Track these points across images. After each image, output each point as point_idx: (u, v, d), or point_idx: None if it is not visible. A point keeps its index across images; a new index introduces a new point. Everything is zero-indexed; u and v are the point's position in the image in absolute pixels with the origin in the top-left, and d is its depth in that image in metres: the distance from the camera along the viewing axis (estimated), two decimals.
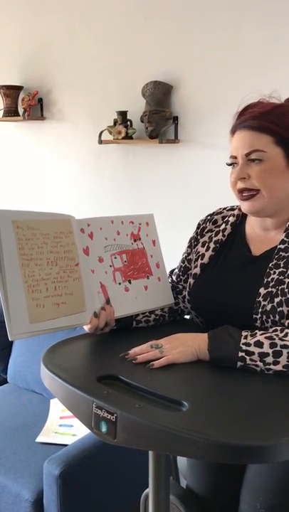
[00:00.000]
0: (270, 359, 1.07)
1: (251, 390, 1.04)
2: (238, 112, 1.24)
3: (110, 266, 1.29)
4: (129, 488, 1.84)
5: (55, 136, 2.83)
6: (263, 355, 1.08)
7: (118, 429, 0.94)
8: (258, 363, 1.08)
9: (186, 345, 1.14)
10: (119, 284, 1.30)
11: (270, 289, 1.18)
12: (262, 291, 1.19)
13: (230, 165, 1.24)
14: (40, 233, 1.17)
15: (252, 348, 1.08)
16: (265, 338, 1.09)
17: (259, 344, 1.08)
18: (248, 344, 1.09)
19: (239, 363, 1.09)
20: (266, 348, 1.07)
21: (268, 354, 1.07)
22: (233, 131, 1.23)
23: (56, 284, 1.18)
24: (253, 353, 1.08)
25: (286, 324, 1.15)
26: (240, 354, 1.09)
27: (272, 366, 1.07)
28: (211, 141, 2.25)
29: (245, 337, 1.11)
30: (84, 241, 1.26)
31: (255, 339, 1.09)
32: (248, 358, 1.08)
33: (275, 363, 1.07)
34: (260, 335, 1.10)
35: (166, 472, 1.15)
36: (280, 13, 2.00)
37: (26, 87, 2.86)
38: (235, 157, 1.22)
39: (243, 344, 1.09)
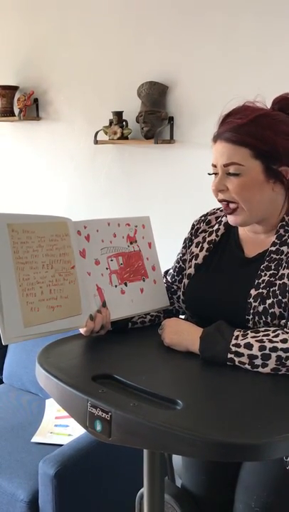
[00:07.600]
0: (258, 361, 1.09)
1: (245, 388, 1.05)
2: (220, 117, 1.23)
3: (107, 268, 1.29)
4: (124, 487, 1.84)
5: (51, 137, 2.83)
6: (251, 357, 1.09)
7: (113, 427, 0.95)
8: (247, 365, 1.10)
9: (181, 336, 1.19)
10: (116, 286, 1.30)
11: (260, 291, 1.19)
12: (252, 292, 1.19)
13: (211, 174, 1.23)
14: (35, 236, 1.17)
15: (241, 350, 1.10)
16: (256, 340, 1.10)
17: (249, 346, 1.10)
18: (238, 345, 1.11)
19: (228, 363, 1.11)
20: (255, 351, 1.09)
21: (256, 356, 1.09)
22: (215, 140, 1.22)
23: (51, 287, 1.17)
24: (242, 355, 1.10)
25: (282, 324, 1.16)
26: (230, 356, 1.11)
27: (260, 369, 1.09)
28: (207, 141, 2.21)
29: (236, 337, 1.12)
30: (80, 243, 1.26)
31: (246, 341, 1.10)
32: (236, 359, 1.10)
33: (264, 365, 1.09)
34: (252, 337, 1.11)
35: (161, 471, 1.16)
36: (276, 13, 2.01)
37: (22, 87, 2.86)
38: (215, 166, 1.21)
39: (233, 345, 1.11)
